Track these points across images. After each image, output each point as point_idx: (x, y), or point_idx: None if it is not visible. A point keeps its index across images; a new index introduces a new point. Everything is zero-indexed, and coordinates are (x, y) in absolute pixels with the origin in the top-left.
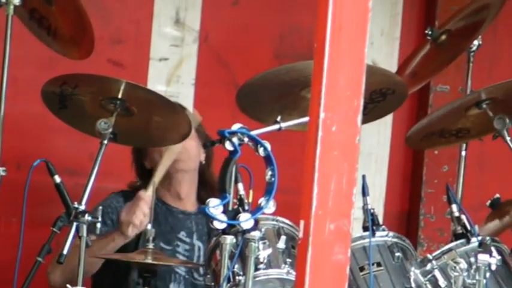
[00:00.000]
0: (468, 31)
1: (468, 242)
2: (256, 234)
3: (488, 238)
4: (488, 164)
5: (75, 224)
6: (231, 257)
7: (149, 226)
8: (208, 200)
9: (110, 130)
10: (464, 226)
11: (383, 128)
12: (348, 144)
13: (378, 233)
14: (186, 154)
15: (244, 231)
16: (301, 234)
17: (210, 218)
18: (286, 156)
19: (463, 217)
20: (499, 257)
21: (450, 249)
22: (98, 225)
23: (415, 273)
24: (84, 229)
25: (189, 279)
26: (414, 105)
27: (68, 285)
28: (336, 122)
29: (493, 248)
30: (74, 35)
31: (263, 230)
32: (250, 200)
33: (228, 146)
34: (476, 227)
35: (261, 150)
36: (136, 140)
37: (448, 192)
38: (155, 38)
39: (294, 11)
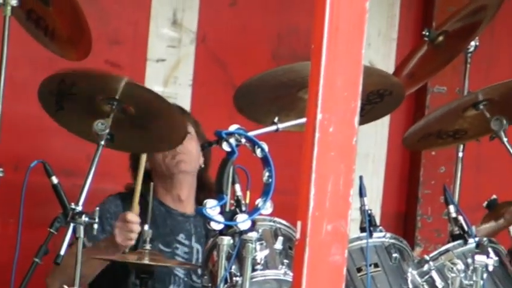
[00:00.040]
0: (465, 32)
1: (465, 243)
2: (253, 235)
3: (485, 239)
4: (486, 165)
5: (72, 225)
6: (228, 258)
7: (146, 227)
8: (205, 201)
9: (107, 131)
10: (461, 227)
11: (380, 129)
12: (345, 145)
13: (375, 234)
14: (188, 155)
15: (242, 232)
16: (298, 235)
17: (207, 219)
18: (284, 157)
19: (460, 218)
20: (496, 258)
21: (447, 250)
22: (95, 226)
23: (412, 274)
24: (81, 230)
25: (188, 282)
26: (411, 106)
27: (64, 286)
28: (333, 123)
29: (490, 249)
30: (71, 35)
31: (260, 231)
32: (247, 201)
33: (225, 147)
34: (474, 228)
35: (258, 151)
36: (134, 146)
37: (445, 193)
38: (152, 39)
39: (292, 12)
